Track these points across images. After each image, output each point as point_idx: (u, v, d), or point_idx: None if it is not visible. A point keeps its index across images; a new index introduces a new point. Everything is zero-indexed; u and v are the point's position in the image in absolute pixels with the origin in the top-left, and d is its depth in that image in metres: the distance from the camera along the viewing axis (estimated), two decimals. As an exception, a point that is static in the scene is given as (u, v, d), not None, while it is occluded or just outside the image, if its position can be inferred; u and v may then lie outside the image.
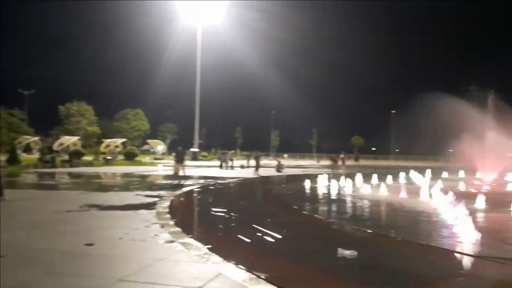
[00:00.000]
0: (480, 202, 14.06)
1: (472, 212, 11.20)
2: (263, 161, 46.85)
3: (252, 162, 35.51)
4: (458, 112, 24.46)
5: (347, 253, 7.09)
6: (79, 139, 67.95)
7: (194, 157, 54.38)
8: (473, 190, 16.85)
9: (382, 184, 18.76)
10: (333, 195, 17.74)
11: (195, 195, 17.06)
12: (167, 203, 13.21)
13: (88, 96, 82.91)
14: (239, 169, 37.86)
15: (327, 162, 45.55)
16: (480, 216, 12.24)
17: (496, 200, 14.79)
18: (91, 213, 11.26)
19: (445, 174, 28.76)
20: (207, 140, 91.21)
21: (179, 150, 24.77)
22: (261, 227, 9.43)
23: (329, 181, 21.38)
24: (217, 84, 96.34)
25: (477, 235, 8.47)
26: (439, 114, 24.46)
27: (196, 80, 58.26)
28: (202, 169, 35.83)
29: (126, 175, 27.00)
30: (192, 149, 57.36)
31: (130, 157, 47.48)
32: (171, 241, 7.84)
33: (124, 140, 73.10)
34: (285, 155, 45.94)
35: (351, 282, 5.85)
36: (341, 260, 6.88)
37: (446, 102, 24.60)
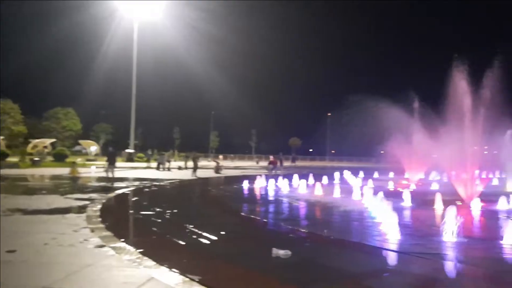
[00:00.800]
0: (407, 201, 14.95)
1: (400, 210, 11.85)
2: (202, 163, 46.48)
3: (190, 164, 35.05)
4: (389, 116, 25.67)
5: (281, 252, 7.17)
6: (3, 139, 63.35)
7: (130, 158, 52.68)
8: (401, 189, 17.79)
9: (318, 184, 19.31)
10: (271, 196, 17.97)
11: (129, 197, 16.52)
12: (98, 206, 12.66)
13: (14, 94, 77.21)
14: (177, 170, 37.24)
15: (265, 163, 46.05)
16: (407, 214, 12.98)
17: (421, 199, 15.72)
18: (15, 218, 10.52)
19: (376, 174, 30.19)
20: (143, 141, 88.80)
21: (110, 150, 23.83)
22: (197, 229, 9.31)
23: (267, 182, 21.64)
24: (155, 83, 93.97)
25: (403, 232, 8.94)
26: (371, 117, 25.52)
27: (132, 78, 56.53)
28: (138, 171, 34.82)
29: (55, 177, 25.55)
30: (127, 150, 55.55)
31: (60, 158, 44.99)
32: (102, 246, 7.50)
33: (53, 140, 69.11)
34: (220, 156, 44.82)
35: (285, 281, 5.93)
36: (276, 260, 6.94)
37: (378, 106, 25.73)
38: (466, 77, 16.57)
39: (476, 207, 14.14)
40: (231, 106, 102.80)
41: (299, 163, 62.71)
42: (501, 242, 8.47)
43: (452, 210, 8.99)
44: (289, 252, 7.20)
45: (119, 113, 73.69)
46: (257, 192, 19.51)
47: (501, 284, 6.30)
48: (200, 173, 30.64)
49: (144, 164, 44.18)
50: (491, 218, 12.41)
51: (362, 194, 16.51)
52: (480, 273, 6.76)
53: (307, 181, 21.90)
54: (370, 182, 21.22)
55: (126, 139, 59.53)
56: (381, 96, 25.97)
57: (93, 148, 73.38)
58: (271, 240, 8.58)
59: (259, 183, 21.69)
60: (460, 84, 16.63)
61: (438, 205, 13.84)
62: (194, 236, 8.65)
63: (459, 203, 14.26)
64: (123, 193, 17.32)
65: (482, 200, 14.69)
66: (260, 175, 22.70)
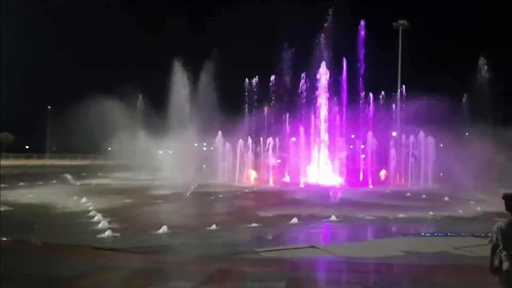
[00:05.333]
0: (132, 197, 14.93)
1: (121, 208, 11.66)
2: None
3: None
4: (114, 113, 25.36)
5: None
6: None
7: None
8: (128, 186, 17.61)
9: (33, 185, 17.06)
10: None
11: None
12: None
13: None
14: None
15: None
16: (128, 210, 12.87)
17: (145, 194, 15.96)
18: None
19: (101, 173, 29.34)
20: None
21: None
22: None
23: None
24: None
25: (117, 229, 8.75)
26: (97, 113, 24.68)
27: None
28: None
29: None
30: None
31: None
32: None
33: None
34: None
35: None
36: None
37: (103, 102, 25.08)
38: (182, 79, 17.90)
39: (189, 197, 15.44)
40: None
41: (9, 161, 54.53)
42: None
43: (175, 203, 9.42)
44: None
45: None
46: None
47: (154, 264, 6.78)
48: None
49: None
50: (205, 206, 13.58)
51: (82, 193, 15.55)
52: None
53: (15, 183, 19.20)
54: (93, 181, 20.25)
55: None
56: (109, 94, 25.47)
57: None
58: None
59: None
60: (176, 85, 17.86)
61: (164, 199, 14.23)
62: None
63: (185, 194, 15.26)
64: None
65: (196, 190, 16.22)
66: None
